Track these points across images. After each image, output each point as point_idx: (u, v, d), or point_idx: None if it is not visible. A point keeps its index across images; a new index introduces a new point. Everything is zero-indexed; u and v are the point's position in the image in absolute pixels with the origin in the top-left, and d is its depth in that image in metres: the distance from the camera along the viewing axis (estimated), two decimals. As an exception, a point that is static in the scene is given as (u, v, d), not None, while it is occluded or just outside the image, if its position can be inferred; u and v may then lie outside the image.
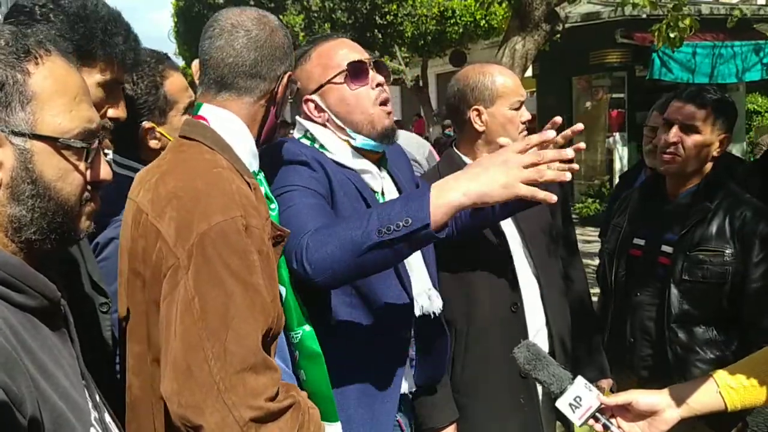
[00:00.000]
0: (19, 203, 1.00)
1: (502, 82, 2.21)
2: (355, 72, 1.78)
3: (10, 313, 0.95)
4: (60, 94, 1.03)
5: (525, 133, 2.23)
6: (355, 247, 1.43)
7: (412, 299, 1.77)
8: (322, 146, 1.80)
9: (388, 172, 1.91)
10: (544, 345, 2.20)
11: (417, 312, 1.80)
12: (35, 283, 1.00)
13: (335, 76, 1.78)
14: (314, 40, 1.89)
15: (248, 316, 1.27)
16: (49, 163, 1.02)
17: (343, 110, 1.78)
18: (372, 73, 1.80)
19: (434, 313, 1.84)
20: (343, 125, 1.79)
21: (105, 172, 1.11)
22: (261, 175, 1.56)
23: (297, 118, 1.89)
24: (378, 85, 1.80)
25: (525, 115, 2.24)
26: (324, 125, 1.81)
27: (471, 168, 1.49)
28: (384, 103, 1.81)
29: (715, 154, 2.36)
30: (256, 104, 1.49)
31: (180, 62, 21.30)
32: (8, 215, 1.00)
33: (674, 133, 2.33)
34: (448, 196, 1.43)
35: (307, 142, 1.82)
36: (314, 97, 1.81)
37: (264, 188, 1.54)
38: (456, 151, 2.32)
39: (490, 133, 2.22)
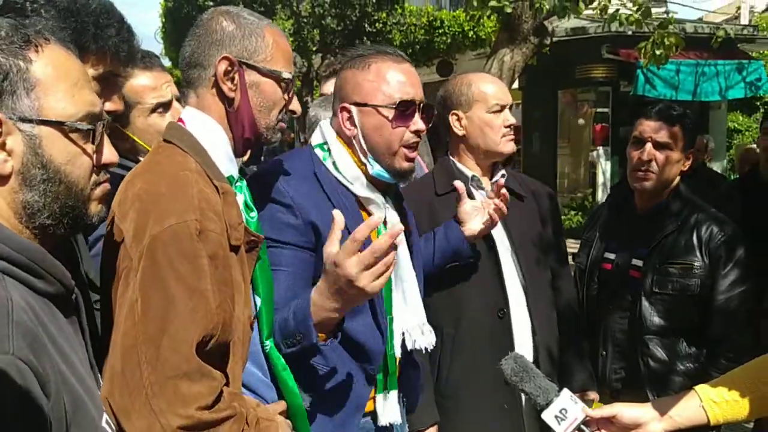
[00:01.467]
0: (31, 189, 1.02)
1: (479, 87, 2.26)
2: (403, 112, 1.75)
3: (32, 298, 0.97)
4: (62, 79, 1.05)
5: (510, 137, 2.27)
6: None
7: (384, 338, 1.76)
8: (334, 163, 1.77)
9: (394, 202, 1.89)
10: (528, 353, 2.22)
11: (409, 346, 1.81)
12: (54, 269, 1.02)
13: (383, 107, 1.74)
14: (379, 50, 1.82)
15: (188, 321, 1.25)
16: (57, 147, 1.04)
17: (373, 138, 1.75)
18: (416, 117, 1.77)
19: (426, 348, 1.84)
20: (366, 150, 1.76)
21: (111, 154, 1.13)
22: (243, 183, 1.55)
23: (322, 122, 1.86)
24: (416, 131, 1.77)
25: (508, 119, 2.26)
26: (349, 140, 1.78)
27: (327, 284, 1.52)
28: (411, 148, 1.78)
29: (683, 168, 2.43)
30: (207, 95, 1.48)
31: (167, 63, 21.22)
32: (21, 201, 1.02)
33: (648, 151, 2.37)
34: (323, 315, 1.53)
35: (320, 154, 1.79)
36: (353, 109, 1.77)
37: (244, 195, 1.53)
38: (450, 157, 2.35)
39: (469, 137, 2.28)
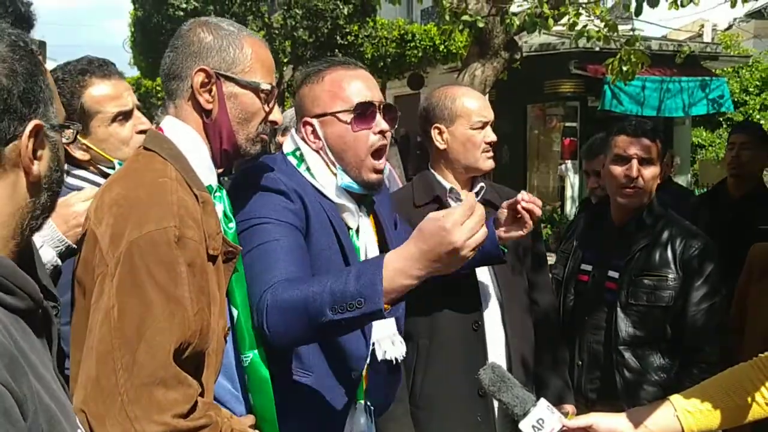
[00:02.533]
0: (48, 190, 1.03)
1: (463, 102, 2.26)
2: (363, 114, 1.74)
3: (3, 315, 0.94)
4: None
5: (489, 154, 2.27)
6: (311, 322, 1.44)
7: (368, 343, 1.76)
8: (308, 169, 1.77)
9: (369, 210, 1.89)
10: (502, 363, 2.22)
11: (379, 356, 1.79)
12: (24, 284, 0.99)
13: (341, 112, 1.74)
14: (331, 62, 1.83)
15: (165, 328, 1.24)
16: (62, 150, 1.06)
17: (338, 147, 1.74)
18: (378, 118, 1.76)
19: (396, 359, 1.83)
20: (334, 160, 1.76)
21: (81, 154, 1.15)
22: (222, 193, 1.54)
23: (292, 131, 1.86)
24: (380, 131, 1.77)
25: (489, 135, 2.26)
26: (317, 152, 1.78)
27: (422, 248, 1.40)
28: (378, 154, 1.77)
29: (659, 182, 2.49)
30: (185, 106, 1.47)
31: (135, 72, 20.98)
32: (40, 204, 1.02)
33: (636, 168, 2.40)
34: (401, 281, 1.40)
35: (294, 161, 1.79)
36: (314, 122, 1.77)
37: (223, 205, 1.52)
38: (431, 171, 2.35)
39: (451, 151, 2.28)
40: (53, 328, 1.10)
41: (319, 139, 1.76)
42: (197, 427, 1.24)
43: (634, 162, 2.40)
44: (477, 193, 2.33)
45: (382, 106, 1.78)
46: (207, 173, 1.48)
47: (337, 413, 1.74)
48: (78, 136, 1.84)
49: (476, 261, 2.02)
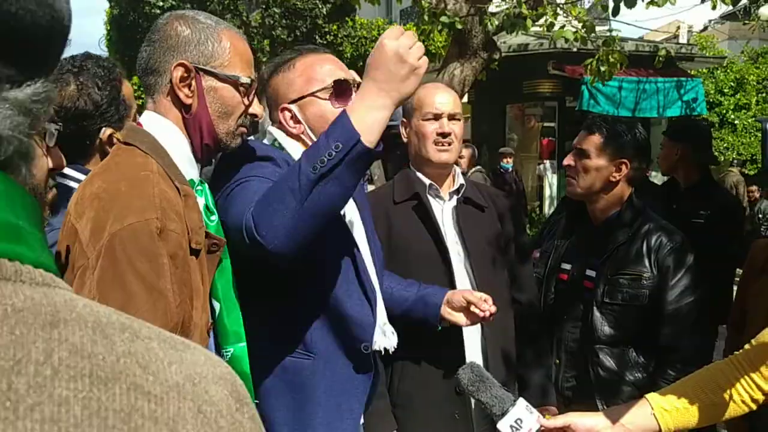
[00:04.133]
0: None
1: (418, 94, 2.24)
2: (340, 91, 1.75)
3: None
4: None
5: (443, 147, 2.22)
6: (298, 195, 1.34)
7: (373, 309, 1.76)
8: (289, 154, 1.76)
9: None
10: (479, 362, 2.21)
11: (384, 346, 1.80)
12: None
13: (319, 91, 1.75)
14: (299, 49, 1.85)
15: (148, 319, 1.21)
16: None
17: (320, 125, 1.72)
18: (354, 95, 1.76)
19: (387, 350, 1.83)
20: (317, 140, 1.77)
21: (61, 160, 1.10)
22: (204, 187, 1.53)
23: (268, 127, 1.85)
24: None
25: (442, 127, 2.21)
26: (298, 137, 1.79)
27: (375, 76, 1.41)
28: None
29: (612, 179, 2.46)
30: (164, 101, 1.46)
31: (111, 71, 20.72)
32: None
33: (568, 158, 2.52)
34: (372, 116, 1.39)
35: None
36: (292, 107, 1.78)
37: (205, 199, 1.51)
38: (411, 168, 2.34)
39: (410, 145, 2.29)
40: None
41: (300, 123, 1.77)
42: None
43: (571, 153, 2.53)
44: (457, 191, 2.31)
45: (356, 85, 1.79)
46: (188, 167, 1.47)
47: (354, 389, 1.74)
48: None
49: (411, 319, 2.05)
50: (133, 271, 1.23)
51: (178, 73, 1.43)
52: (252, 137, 1.92)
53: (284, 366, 1.69)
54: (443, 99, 2.26)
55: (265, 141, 1.86)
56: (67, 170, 1.86)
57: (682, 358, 2.31)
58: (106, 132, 1.83)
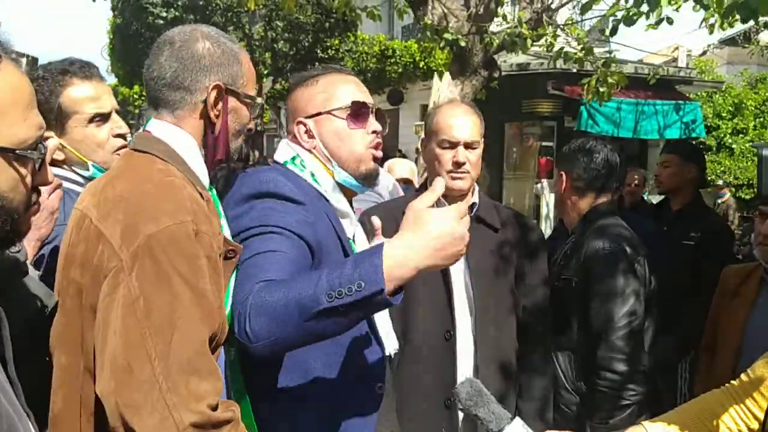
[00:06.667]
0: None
1: (437, 118, 2.24)
2: (357, 112, 1.77)
3: None
4: (15, 103, 0.99)
5: (457, 175, 2.19)
6: (302, 312, 1.31)
7: (383, 349, 1.74)
8: (312, 175, 1.75)
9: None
10: (470, 375, 2.19)
11: (388, 351, 1.77)
12: None
13: (337, 109, 1.76)
14: (326, 68, 1.87)
15: (196, 318, 1.25)
16: (2, 176, 0.98)
17: (333, 143, 1.75)
18: (371, 119, 1.79)
19: (390, 355, 1.82)
20: (329, 157, 1.76)
21: (50, 176, 1.10)
22: (212, 192, 1.54)
23: (284, 141, 1.85)
24: (373, 132, 1.79)
25: (456, 156, 2.18)
26: (309, 151, 1.78)
27: (426, 236, 1.35)
28: (375, 148, 1.79)
29: (560, 192, 2.58)
30: (191, 118, 1.46)
31: (112, 79, 20.81)
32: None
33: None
34: (402, 272, 1.33)
35: (296, 169, 1.75)
36: (309, 121, 1.78)
37: (216, 205, 1.52)
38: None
39: (426, 163, 2.29)
40: (3, 331, 1.06)
41: (313, 137, 1.78)
42: (226, 420, 1.25)
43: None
44: (470, 208, 2.26)
45: (374, 110, 1.81)
46: (202, 173, 1.49)
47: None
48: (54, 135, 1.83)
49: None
50: (175, 272, 1.24)
51: (214, 94, 1.45)
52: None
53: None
54: (461, 126, 2.21)
55: (279, 155, 1.83)
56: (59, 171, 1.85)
57: (600, 365, 2.32)
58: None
